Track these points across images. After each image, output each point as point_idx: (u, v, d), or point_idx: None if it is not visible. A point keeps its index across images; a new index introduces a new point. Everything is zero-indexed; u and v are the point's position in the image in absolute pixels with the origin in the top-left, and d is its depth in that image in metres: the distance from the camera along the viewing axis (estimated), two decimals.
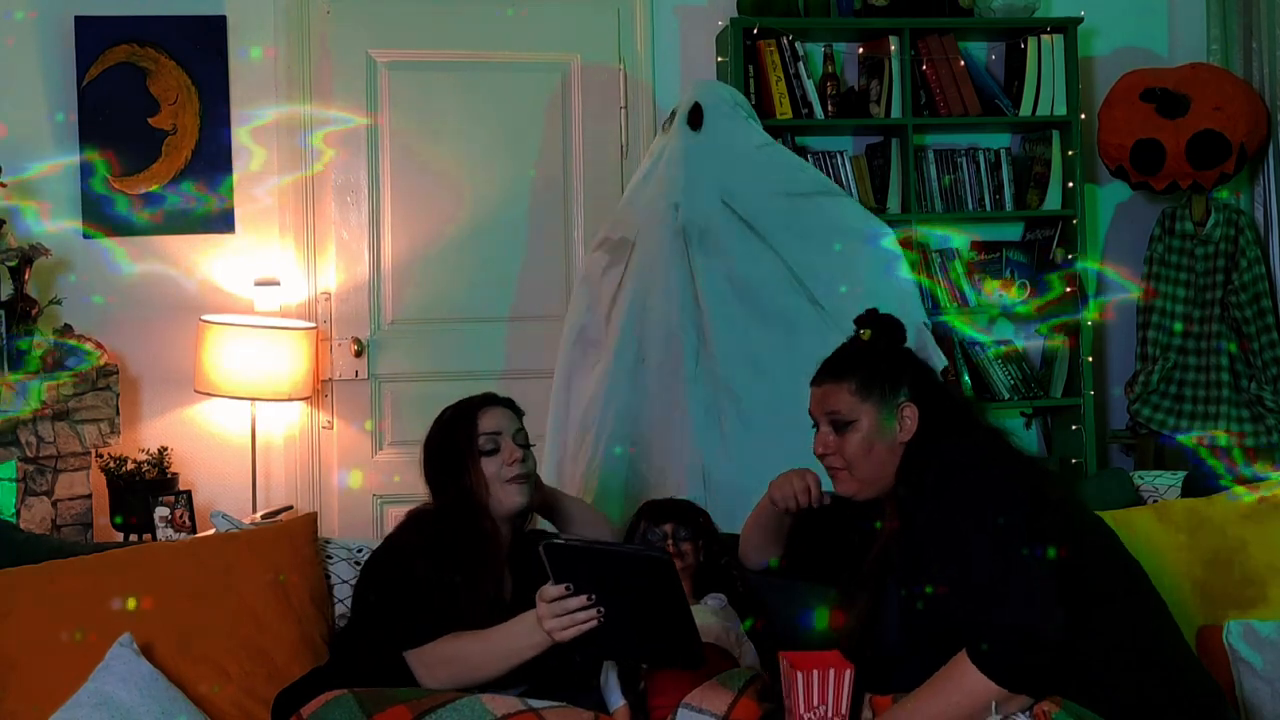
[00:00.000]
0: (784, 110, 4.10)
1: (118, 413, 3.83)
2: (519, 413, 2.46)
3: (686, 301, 3.45)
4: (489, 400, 2.43)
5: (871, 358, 2.18)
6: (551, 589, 2.03)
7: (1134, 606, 2.00)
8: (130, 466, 3.84)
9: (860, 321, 2.23)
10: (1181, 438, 4.11)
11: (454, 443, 2.38)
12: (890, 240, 3.70)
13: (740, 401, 3.42)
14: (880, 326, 2.22)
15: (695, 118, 3.59)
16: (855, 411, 2.14)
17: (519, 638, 2.11)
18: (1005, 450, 2.10)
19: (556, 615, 2.02)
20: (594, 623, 2.00)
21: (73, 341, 3.75)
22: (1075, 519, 2.04)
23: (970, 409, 2.28)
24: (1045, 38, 4.20)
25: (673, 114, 3.64)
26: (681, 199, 3.50)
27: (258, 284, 4.10)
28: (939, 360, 3.64)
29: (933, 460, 2.05)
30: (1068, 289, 4.21)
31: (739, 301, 3.49)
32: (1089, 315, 4.22)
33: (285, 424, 4.17)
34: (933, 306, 4.10)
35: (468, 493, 2.35)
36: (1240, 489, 2.69)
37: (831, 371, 2.20)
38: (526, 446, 2.42)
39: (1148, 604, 2.03)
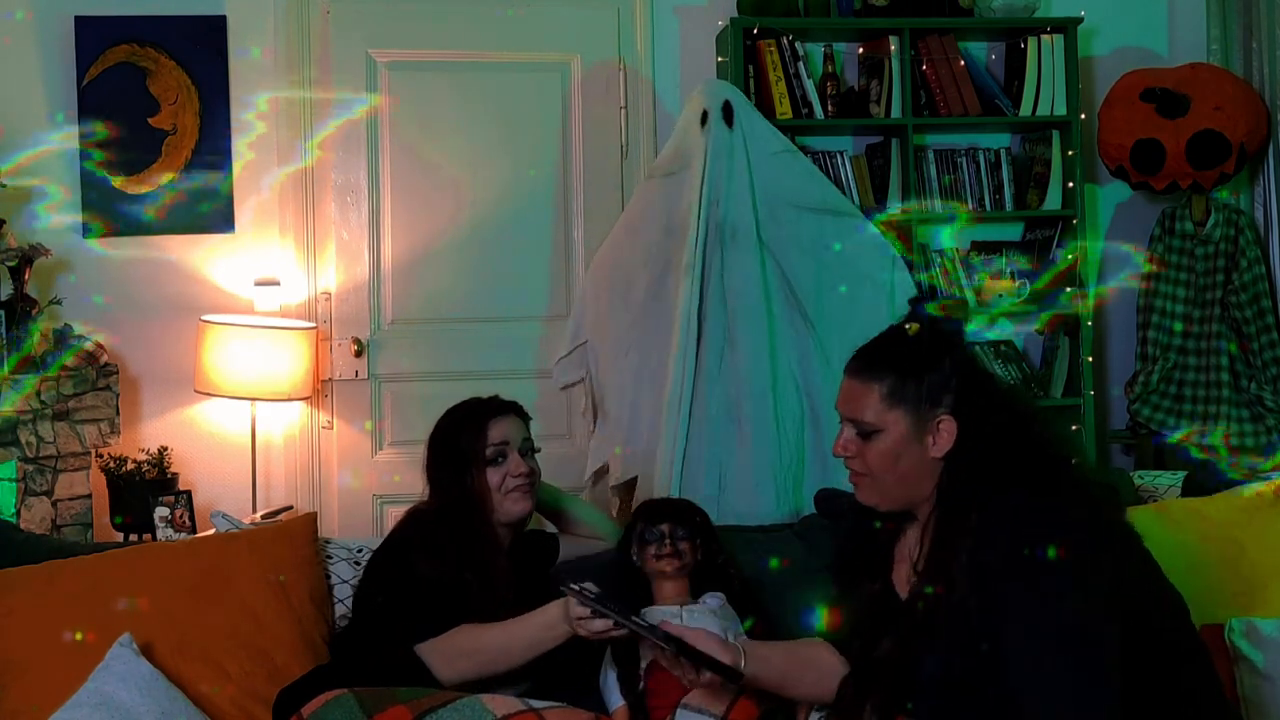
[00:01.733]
0: (784, 110, 4.09)
1: (118, 413, 3.83)
2: (526, 419, 2.47)
3: (716, 299, 3.46)
4: (499, 408, 2.44)
5: (912, 359, 1.90)
6: (581, 609, 2.08)
7: (1176, 675, 1.84)
8: (130, 466, 3.84)
9: (912, 315, 1.99)
10: (1173, 436, 4.10)
11: (460, 446, 2.39)
12: (896, 255, 3.72)
13: (759, 403, 3.43)
14: (932, 325, 1.96)
15: (728, 115, 3.59)
16: (881, 420, 1.88)
17: (543, 629, 2.16)
18: (1072, 505, 1.82)
19: (585, 626, 2.09)
20: (623, 633, 2.06)
21: (73, 342, 3.75)
22: (1130, 588, 1.82)
23: (1029, 425, 1.94)
24: (1045, 38, 4.20)
25: (705, 114, 3.62)
26: (720, 195, 3.51)
27: (258, 284, 4.10)
28: None
29: (995, 510, 1.80)
30: (1067, 288, 4.21)
31: (761, 303, 3.50)
32: (1087, 314, 4.21)
33: (285, 424, 4.17)
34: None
35: (470, 496, 2.36)
36: (1249, 485, 2.69)
37: (864, 365, 1.93)
38: (533, 454, 2.44)
39: (1192, 663, 1.88)
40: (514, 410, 2.46)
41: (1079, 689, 1.69)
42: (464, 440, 2.39)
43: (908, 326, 1.95)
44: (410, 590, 2.27)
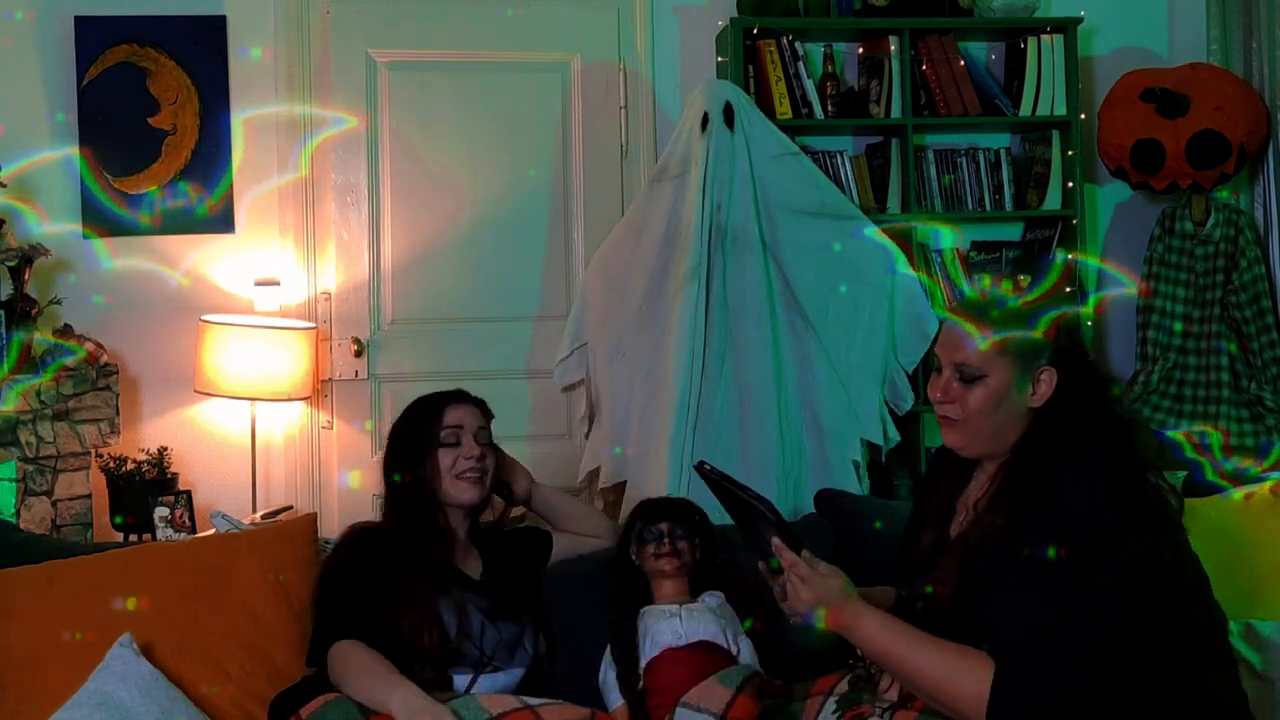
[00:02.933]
0: (784, 110, 4.09)
1: (118, 413, 3.83)
2: (488, 414, 2.48)
3: (718, 304, 3.46)
4: (458, 397, 2.47)
5: (1023, 310, 1.95)
6: None
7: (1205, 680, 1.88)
8: (130, 466, 3.84)
9: (1020, 263, 2.09)
10: (1171, 433, 4.10)
11: (417, 433, 2.42)
12: (893, 247, 3.72)
13: (761, 405, 3.43)
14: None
15: (729, 117, 3.58)
16: (989, 365, 1.92)
17: (388, 701, 2.07)
18: (1134, 472, 1.88)
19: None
20: None
21: (73, 342, 3.75)
22: (1177, 573, 1.87)
23: (1107, 388, 2.04)
24: (1045, 38, 4.20)
25: (705, 116, 3.60)
26: (722, 199, 3.51)
27: (258, 284, 4.10)
28: None
29: (1059, 470, 1.85)
30: (1067, 288, 4.21)
31: (765, 307, 3.49)
32: (1088, 314, 4.21)
33: (285, 424, 4.17)
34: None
35: (422, 482, 2.38)
36: (1233, 488, 2.69)
37: (975, 310, 1.98)
38: (488, 445, 2.45)
39: (1217, 668, 1.91)
40: (474, 401, 2.48)
41: (1066, 658, 1.74)
42: (421, 426, 2.42)
43: (1020, 278, 2.01)
44: (327, 600, 2.31)
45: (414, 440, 2.42)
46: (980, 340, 1.93)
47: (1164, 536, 1.84)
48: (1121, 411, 2.00)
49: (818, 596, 1.91)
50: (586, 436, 3.81)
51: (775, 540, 1.94)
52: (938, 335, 2.09)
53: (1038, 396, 1.92)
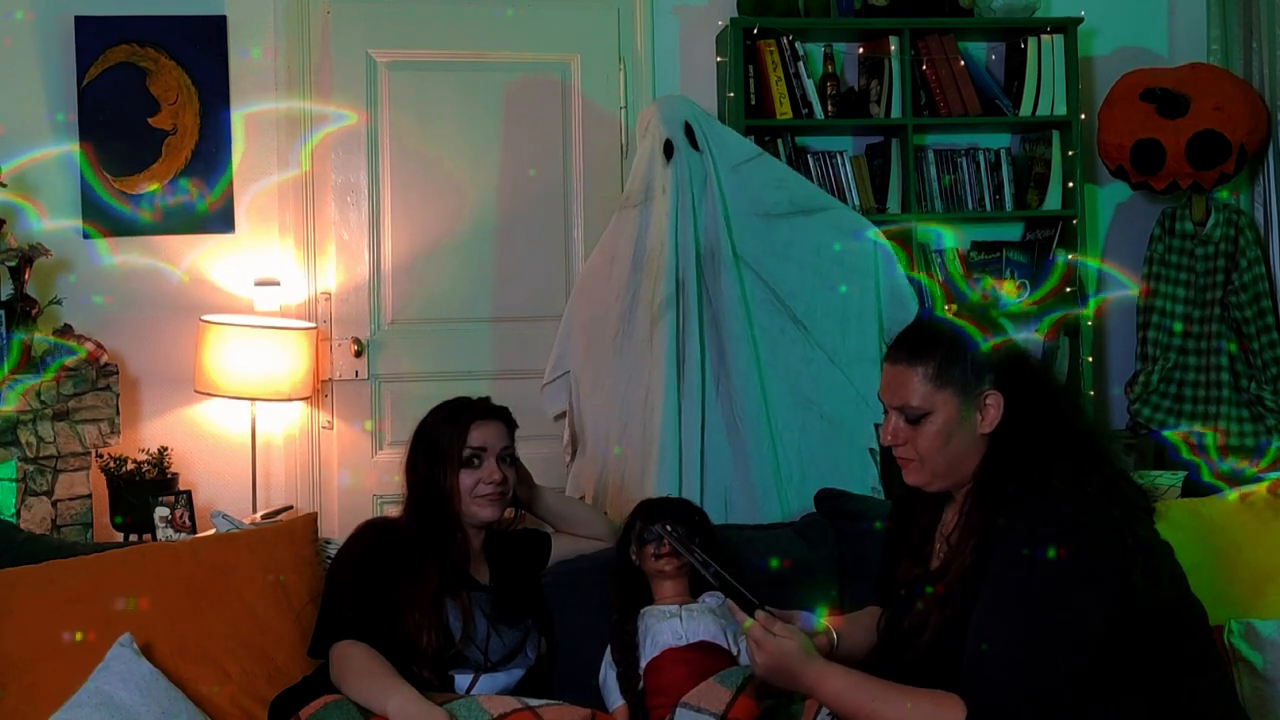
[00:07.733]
0: (784, 110, 4.10)
1: (118, 413, 3.83)
2: (512, 426, 2.47)
3: (709, 326, 3.45)
4: (485, 412, 2.45)
5: (954, 338, 1.90)
6: None
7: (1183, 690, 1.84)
8: (130, 466, 3.84)
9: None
10: (1167, 433, 4.10)
11: (440, 445, 2.41)
12: (875, 233, 3.70)
13: (753, 419, 3.42)
14: (970, 307, 2.02)
15: (691, 137, 3.56)
16: (929, 402, 1.88)
17: (385, 705, 2.08)
18: (1097, 486, 1.82)
19: None
20: None
21: (73, 342, 3.75)
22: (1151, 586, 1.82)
23: (1065, 402, 1.97)
24: (1045, 38, 4.20)
25: (668, 143, 3.55)
26: (700, 221, 3.49)
27: (258, 284, 4.10)
28: None
29: (1023, 498, 1.80)
30: (1067, 288, 4.21)
31: (743, 320, 3.48)
32: (1088, 314, 4.22)
33: (285, 424, 4.17)
34: (930, 306, 4.09)
35: (441, 495, 2.38)
36: (1228, 489, 2.69)
37: (906, 351, 1.93)
38: (511, 464, 2.44)
39: (1203, 675, 1.86)
40: (500, 416, 2.47)
41: (1034, 673, 1.72)
42: (444, 438, 2.41)
43: (947, 308, 1.96)
44: (331, 598, 2.32)
45: (437, 453, 2.41)
46: (917, 379, 1.89)
47: (1133, 552, 1.80)
48: (1083, 424, 1.95)
49: (772, 659, 1.87)
50: (569, 464, 3.77)
51: (729, 602, 1.94)
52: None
53: (987, 422, 1.88)
